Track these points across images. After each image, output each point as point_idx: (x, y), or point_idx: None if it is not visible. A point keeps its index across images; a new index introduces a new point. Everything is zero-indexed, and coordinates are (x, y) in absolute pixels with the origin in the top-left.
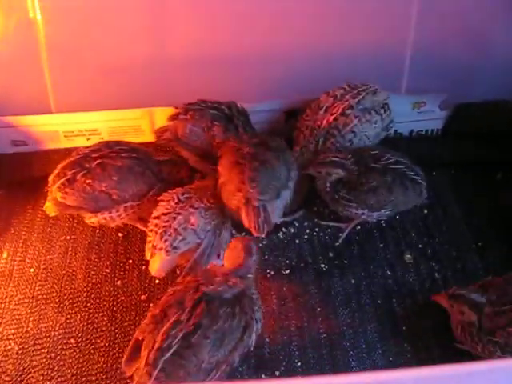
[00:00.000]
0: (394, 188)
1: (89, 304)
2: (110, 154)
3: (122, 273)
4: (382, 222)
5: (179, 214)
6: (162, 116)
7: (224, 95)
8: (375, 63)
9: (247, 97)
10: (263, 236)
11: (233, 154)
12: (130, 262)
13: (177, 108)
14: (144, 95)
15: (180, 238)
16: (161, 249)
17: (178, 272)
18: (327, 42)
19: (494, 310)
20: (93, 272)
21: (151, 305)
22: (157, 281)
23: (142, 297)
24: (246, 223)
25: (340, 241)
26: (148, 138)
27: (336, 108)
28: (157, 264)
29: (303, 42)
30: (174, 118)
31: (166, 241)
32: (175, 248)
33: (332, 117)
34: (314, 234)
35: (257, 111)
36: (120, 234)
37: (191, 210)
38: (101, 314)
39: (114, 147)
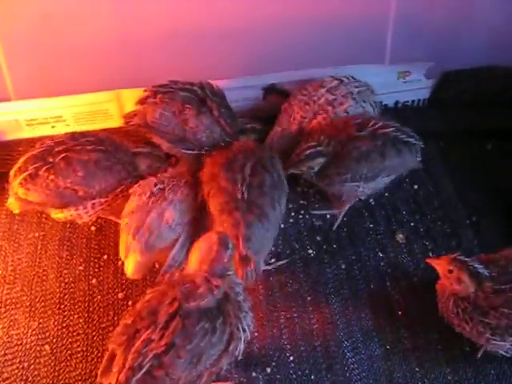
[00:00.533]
0: (387, 152)
1: (63, 306)
2: (75, 147)
3: (96, 270)
4: (371, 200)
5: (152, 209)
6: (130, 98)
7: (198, 73)
8: (357, 35)
9: (222, 73)
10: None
11: (222, 193)
12: (105, 257)
13: (145, 91)
14: (112, 77)
15: (155, 235)
16: (135, 250)
17: (157, 266)
18: (306, 15)
19: (493, 287)
20: (65, 271)
21: (130, 303)
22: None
23: (120, 295)
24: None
25: (335, 227)
26: (117, 122)
27: (339, 90)
28: (132, 266)
29: (280, 15)
30: (142, 101)
31: (139, 241)
32: (150, 247)
33: (332, 96)
34: (300, 216)
35: (233, 88)
36: (93, 228)
37: (165, 204)
38: (76, 317)
39: (80, 139)
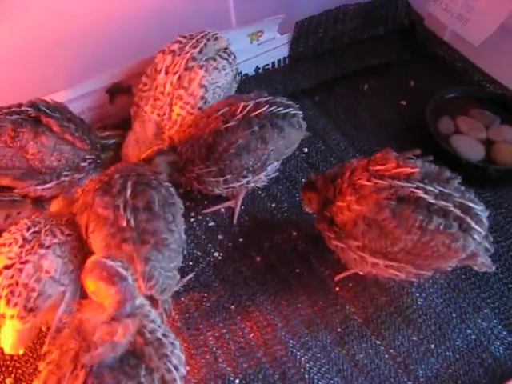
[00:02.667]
0: (267, 135)
1: None
2: None
3: None
4: None
5: (26, 261)
6: None
7: (24, 94)
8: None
9: (56, 86)
10: None
11: (103, 224)
12: None
13: None
14: None
15: (35, 294)
16: (12, 317)
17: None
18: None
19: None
20: None
21: None
22: (20, 351)
23: (8, 381)
24: None
25: (235, 220)
26: None
27: (177, 65)
28: (11, 338)
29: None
30: None
31: (16, 304)
32: (31, 310)
33: (175, 76)
34: (192, 220)
35: (73, 100)
36: None
37: (42, 251)
38: None
39: None
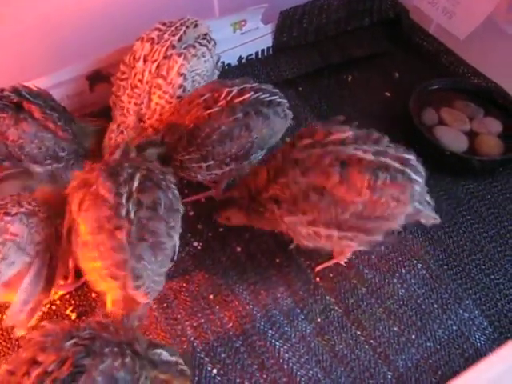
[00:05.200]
0: (252, 123)
1: None
2: None
3: None
4: None
5: None
6: None
7: (4, 80)
8: None
9: (36, 72)
10: None
11: (101, 204)
12: None
13: None
14: None
15: None
16: None
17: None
18: None
19: None
20: None
21: None
22: None
23: None
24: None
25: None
26: None
27: (156, 53)
28: None
29: None
30: None
31: None
32: None
33: (154, 64)
34: None
35: (53, 86)
36: None
37: (7, 218)
38: None
39: None
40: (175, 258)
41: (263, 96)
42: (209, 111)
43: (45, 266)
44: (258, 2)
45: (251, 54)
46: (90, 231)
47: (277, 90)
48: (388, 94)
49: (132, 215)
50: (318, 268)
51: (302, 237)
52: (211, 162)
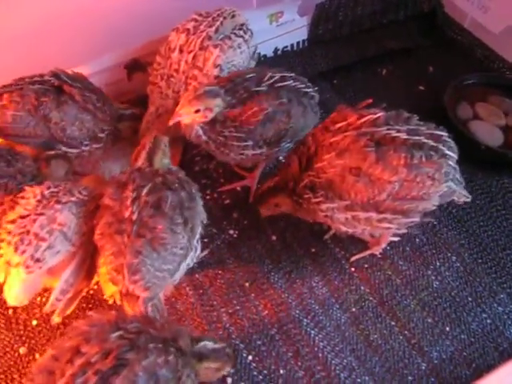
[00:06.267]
0: (293, 110)
1: None
2: None
3: None
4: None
5: (41, 214)
6: None
7: (45, 67)
8: None
9: (75, 61)
10: None
11: (105, 213)
12: None
13: None
14: None
15: (44, 245)
16: (18, 264)
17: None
18: None
19: None
20: None
21: (37, 357)
22: (34, 322)
23: (22, 350)
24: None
25: (251, 199)
26: None
27: (192, 44)
28: (15, 288)
29: None
30: None
31: (23, 252)
32: (38, 261)
33: (190, 55)
34: (207, 197)
35: (92, 74)
36: None
37: (58, 206)
38: None
39: None
40: (194, 259)
41: (300, 86)
42: (257, 88)
43: (88, 257)
44: None
45: (287, 46)
46: (96, 239)
47: (310, 84)
48: (422, 87)
49: (135, 215)
50: (353, 258)
51: (341, 223)
52: (250, 143)
